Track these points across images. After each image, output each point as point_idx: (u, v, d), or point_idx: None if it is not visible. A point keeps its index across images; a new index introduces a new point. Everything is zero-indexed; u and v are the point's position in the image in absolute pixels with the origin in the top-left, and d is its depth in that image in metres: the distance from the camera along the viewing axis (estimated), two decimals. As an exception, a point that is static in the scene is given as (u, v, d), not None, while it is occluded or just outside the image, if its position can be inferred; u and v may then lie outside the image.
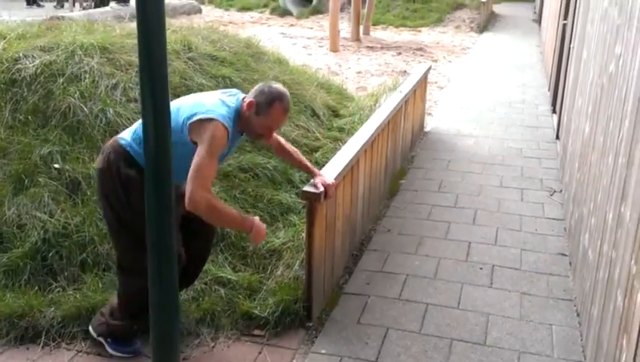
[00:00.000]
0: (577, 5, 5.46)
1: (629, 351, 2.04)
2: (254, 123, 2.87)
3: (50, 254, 3.48)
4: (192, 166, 2.67)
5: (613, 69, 3.04)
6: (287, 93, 2.94)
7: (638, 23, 2.54)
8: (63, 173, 3.86)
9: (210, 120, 2.70)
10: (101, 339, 3.11)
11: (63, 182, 3.82)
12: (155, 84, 2.35)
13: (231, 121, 2.78)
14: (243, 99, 2.91)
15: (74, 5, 14.75)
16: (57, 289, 3.36)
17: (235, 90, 3.02)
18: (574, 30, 5.55)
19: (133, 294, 2.97)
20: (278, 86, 2.95)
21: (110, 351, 3.08)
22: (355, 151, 3.81)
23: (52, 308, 3.21)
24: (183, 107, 2.80)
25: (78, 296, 3.30)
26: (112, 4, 13.86)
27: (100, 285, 3.39)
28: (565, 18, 6.80)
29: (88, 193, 3.79)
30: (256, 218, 2.93)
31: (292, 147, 3.39)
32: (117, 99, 4.31)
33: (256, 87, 2.93)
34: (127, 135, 2.90)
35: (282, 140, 3.36)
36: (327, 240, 3.49)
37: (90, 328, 3.15)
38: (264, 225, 2.94)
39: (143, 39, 2.28)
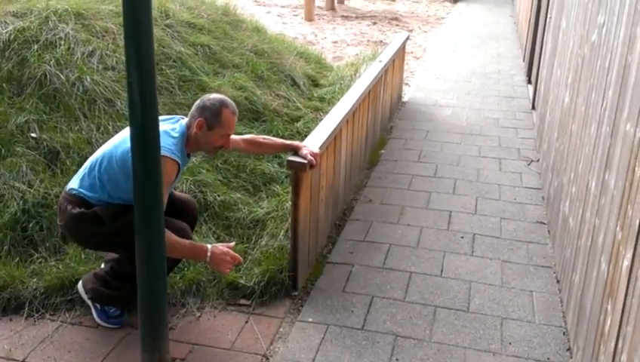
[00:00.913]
0: (556, -25, 5.47)
1: (615, 315, 2.10)
2: (210, 138, 2.91)
3: (31, 225, 3.42)
4: None
5: (596, 38, 3.06)
6: (227, 98, 2.98)
7: (623, -7, 2.56)
8: (41, 142, 3.78)
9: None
10: (90, 303, 3.08)
11: (41, 152, 3.75)
12: (142, 49, 2.31)
13: (179, 151, 2.81)
14: (186, 122, 2.92)
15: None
16: (39, 260, 3.32)
17: (174, 116, 3.00)
18: (551, 0, 5.58)
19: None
20: (215, 95, 2.99)
21: (97, 319, 3.07)
22: (338, 120, 3.81)
23: (34, 279, 3.18)
24: (125, 143, 2.77)
25: (60, 266, 3.27)
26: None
27: (83, 256, 3.35)
28: (542, -12, 6.82)
29: (67, 163, 3.72)
30: (212, 245, 2.90)
31: (259, 136, 3.38)
32: (94, 67, 4.21)
33: (195, 105, 2.94)
34: (75, 183, 2.90)
35: (245, 136, 3.37)
36: (311, 209, 3.50)
37: (81, 286, 3.11)
38: (225, 249, 2.89)
39: (129, 4, 2.24)
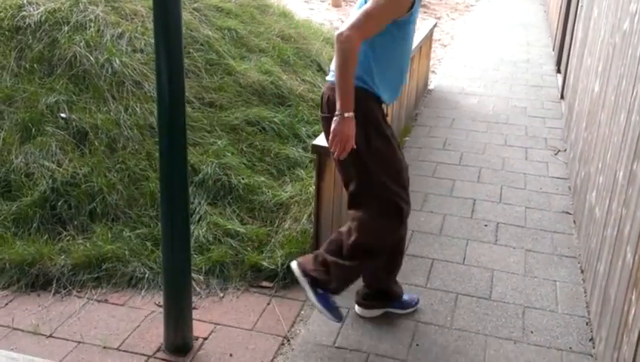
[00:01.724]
0: (588, -38, 5.37)
1: (639, 305, 2.08)
2: None
3: (59, 203, 3.49)
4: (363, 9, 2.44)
5: (628, 26, 3.01)
6: None
7: (658, -20, 2.51)
8: (70, 122, 3.84)
9: None
10: (307, 285, 2.74)
11: (70, 132, 3.81)
12: (170, 33, 2.34)
13: None
14: None
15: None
16: (67, 238, 3.39)
17: None
18: (584, -12, 5.48)
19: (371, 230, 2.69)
20: None
21: (317, 303, 2.75)
22: (364, 106, 3.79)
23: (62, 257, 3.25)
24: None
25: (88, 245, 3.33)
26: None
27: (110, 235, 3.41)
28: (574, -24, 6.70)
29: (95, 143, 3.78)
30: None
31: None
32: (123, 49, 4.26)
33: None
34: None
35: None
36: (335, 194, 3.51)
37: (296, 266, 2.79)
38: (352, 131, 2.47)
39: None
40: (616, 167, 2.82)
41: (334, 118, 2.47)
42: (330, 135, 2.49)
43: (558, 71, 7.29)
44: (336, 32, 2.43)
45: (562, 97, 6.43)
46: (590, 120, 3.88)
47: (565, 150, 5.14)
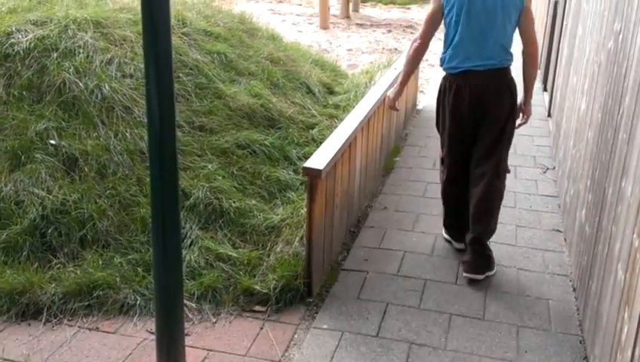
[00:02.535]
0: (571, -17, 5.46)
1: (632, 323, 2.09)
2: None
3: (49, 231, 3.47)
4: None
5: (612, 45, 3.06)
6: None
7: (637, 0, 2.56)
8: (60, 149, 3.83)
9: None
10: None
11: (60, 159, 3.80)
12: (160, 58, 2.35)
13: None
14: None
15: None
16: (57, 266, 3.36)
17: None
18: (567, 7, 5.56)
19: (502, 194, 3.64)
20: None
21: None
22: (353, 128, 3.82)
23: (53, 285, 3.22)
24: None
25: (78, 272, 3.31)
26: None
27: (100, 262, 3.39)
28: (558, -6, 6.80)
29: (86, 169, 3.77)
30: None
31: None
32: (112, 75, 4.27)
33: None
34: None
35: None
36: (326, 216, 3.51)
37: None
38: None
39: (148, 13, 2.27)
40: (604, 184, 2.85)
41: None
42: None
43: (545, 89, 7.37)
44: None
45: (549, 115, 6.49)
46: (578, 138, 3.91)
47: (554, 168, 5.18)
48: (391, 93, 3.86)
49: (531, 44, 3.57)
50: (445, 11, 3.46)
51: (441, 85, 3.64)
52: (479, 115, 3.49)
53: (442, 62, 3.57)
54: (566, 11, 5.48)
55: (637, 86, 2.39)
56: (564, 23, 5.44)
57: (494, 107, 3.50)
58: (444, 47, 3.53)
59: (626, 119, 2.54)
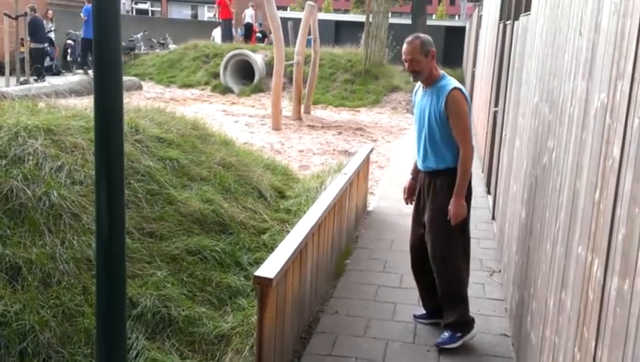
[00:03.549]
0: (507, 95, 5.83)
1: None
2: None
3: (-12, 344, 3.32)
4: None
5: (547, 161, 3.25)
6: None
7: (568, 121, 2.76)
8: (3, 258, 3.73)
9: None
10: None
11: (2, 268, 3.69)
12: (111, 167, 2.37)
13: None
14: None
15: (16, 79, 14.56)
16: (-6, 382, 3.20)
17: None
18: (505, 118, 5.90)
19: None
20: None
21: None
22: (304, 235, 3.87)
23: (-13, 404, 3.05)
24: None
25: (16, 389, 3.15)
26: (49, 79, 13.78)
27: (40, 377, 3.24)
28: (496, 105, 7.22)
29: (29, 279, 3.67)
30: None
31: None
32: (62, 182, 4.25)
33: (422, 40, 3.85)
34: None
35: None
36: (277, 324, 3.49)
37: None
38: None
39: (100, 121, 2.32)
40: (546, 294, 2.94)
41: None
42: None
43: (489, 192, 7.65)
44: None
45: (493, 218, 6.71)
46: (520, 245, 4.06)
47: (500, 271, 5.31)
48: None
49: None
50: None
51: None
52: None
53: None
54: (504, 122, 5.81)
55: (570, 203, 2.54)
56: (504, 133, 5.75)
57: None
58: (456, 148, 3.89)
59: (562, 233, 2.68)
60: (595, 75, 2.31)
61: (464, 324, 4.07)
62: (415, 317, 4.39)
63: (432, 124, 3.86)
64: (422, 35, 3.96)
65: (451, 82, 3.87)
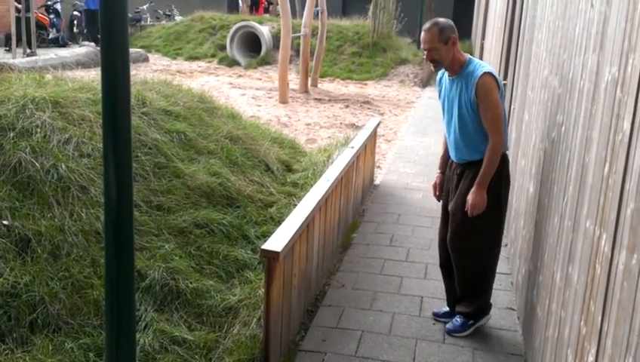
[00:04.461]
0: (516, 68, 5.77)
1: (582, 410, 2.13)
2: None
3: (-2, 315, 3.36)
4: None
5: (556, 135, 3.23)
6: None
7: (579, 95, 2.74)
8: (12, 230, 3.76)
9: None
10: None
11: (12, 240, 3.72)
12: (119, 138, 2.37)
13: None
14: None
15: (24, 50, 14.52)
16: (5, 352, 3.24)
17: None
18: (514, 92, 5.85)
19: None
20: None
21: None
22: (311, 208, 3.88)
23: (-1, 373, 3.10)
24: None
25: (27, 358, 3.19)
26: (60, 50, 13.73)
27: (50, 347, 3.28)
28: (505, 78, 7.15)
29: (38, 251, 3.70)
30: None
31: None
32: (69, 154, 4.26)
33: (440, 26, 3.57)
34: None
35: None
36: (284, 297, 3.51)
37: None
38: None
39: (108, 93, 2.31)
40: (553, 268, 2.95)
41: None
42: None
43: (496, 166, 7.61)
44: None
45: (501, 192, 6.69)
46: (527, 219, 4.05)
47: (506, 245, 5.31)
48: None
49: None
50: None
51: (501, 169, 3.62)
52: None
53: (506, 144, 3.63)
54: (513, 96, 5.76)
55: (579, 177, 2.53)
56: (512, 106, 5.71)
57: None
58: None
59: (570, 207, 2.67)
60: (606, 48, 2.28)
61: (480, 311, 3.89)
62: (436, 315, 4.07)
63: (464, 114, 3.59)
64: (441, 19, 3.63)
65: (480, 66, 3.55)
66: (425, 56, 3.65)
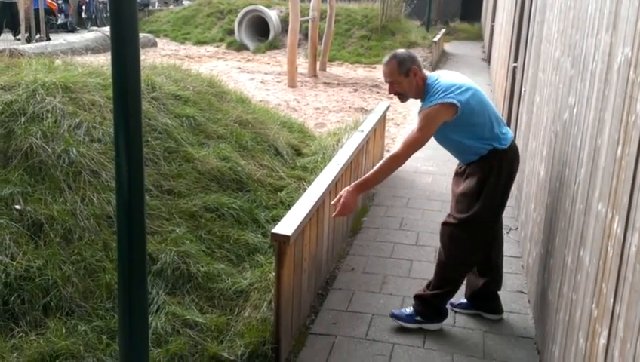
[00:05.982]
0: (527, 50, 5.72)
1: (593, 392, 2.14)
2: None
3: (12, 298, 3.40)
4: None
5: (567, 117, 3.21)
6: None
7: (591, 76, 2.71)
8: (25, 214, 3.79)
9: None
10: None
11: (24, 224, 3.75)
12: (130, 122, 2.38)
13: None
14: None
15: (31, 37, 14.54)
16: (20, 335, 3.28)
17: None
18: (525, 74, 5.81)
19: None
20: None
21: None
22: (321, 192, 3.89)
23: (14, 355, 3.13)
24: None
25: (41, 341, 3.23)
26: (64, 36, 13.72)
27: (64, 330, 3.32)
28: (515, 61, 7.10)
29: (51, 235, 3.73)
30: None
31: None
32: (80, 139, 4.28)
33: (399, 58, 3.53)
34: None
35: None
36: (294, 281, 3.53)
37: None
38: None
39: (118, 78, 2.32)
40: (564, 251, 2.94)
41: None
42: None
43: (507, 149, 7.57)
44: None
45: (511, 175, 6.66)
46: (538, 202, 4.04)
47: (517, 228, 5.30)
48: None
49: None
50: (465, 114, 3.41)
51: (493, 165, 3.47)
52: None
53: (499, 141, 3.47)
54: (524, 78, 5.72)
55: (591, 160, 2.51)
56: (523, 89, 5.67)
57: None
58: (484, 134, 3.46)
59: (582, 190, 2.66)
60: (619, 28, 2.26)
61: (433, 312, 3.73)
62: (452, 306, 3.92)
63: (440, 131, 3.54)
64: (400, 51, 3.59)
65: (437, 95, 3.44)
66: (388, 90, 3.62)
